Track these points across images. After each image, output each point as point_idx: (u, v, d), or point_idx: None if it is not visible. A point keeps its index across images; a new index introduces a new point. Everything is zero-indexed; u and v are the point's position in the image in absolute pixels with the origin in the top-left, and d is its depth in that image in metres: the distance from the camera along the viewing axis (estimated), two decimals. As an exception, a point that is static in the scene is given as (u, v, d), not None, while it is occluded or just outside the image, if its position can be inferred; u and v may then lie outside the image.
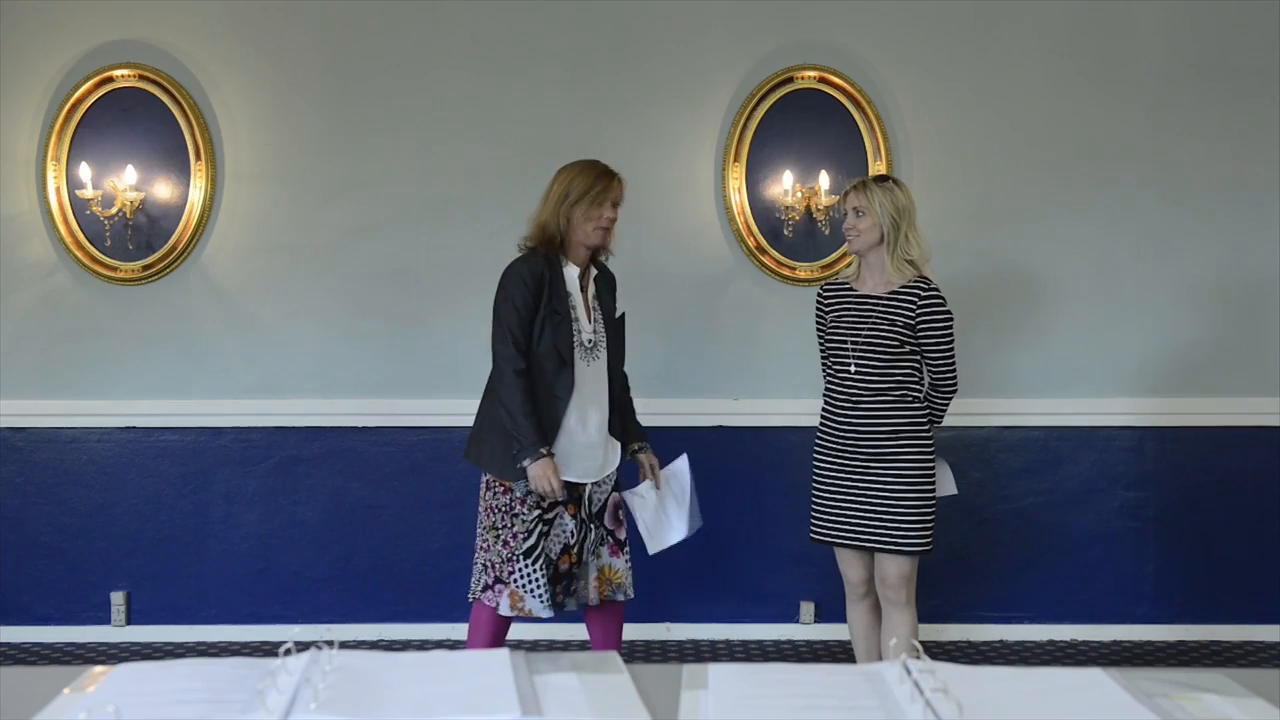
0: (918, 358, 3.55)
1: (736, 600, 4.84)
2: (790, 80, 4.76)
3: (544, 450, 3.40)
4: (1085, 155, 4.81)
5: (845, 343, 3.56)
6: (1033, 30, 4.81)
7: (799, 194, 4.71)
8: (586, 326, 3.57)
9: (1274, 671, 1.51)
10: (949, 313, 3.54)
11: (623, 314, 3.70)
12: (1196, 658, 4.65)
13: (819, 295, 3.77)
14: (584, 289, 3.61)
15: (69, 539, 4.78)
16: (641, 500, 3.70)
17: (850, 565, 3.66)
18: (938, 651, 4.57)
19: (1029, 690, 1.42)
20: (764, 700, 1.37)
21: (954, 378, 3.60)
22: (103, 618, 4.78)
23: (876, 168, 4.72)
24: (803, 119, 4.77)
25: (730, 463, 4.79)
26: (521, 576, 3.46)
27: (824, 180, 4.70)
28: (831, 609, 4.67)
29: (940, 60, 4.81)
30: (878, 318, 3.53)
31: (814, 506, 3.65)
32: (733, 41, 4.79)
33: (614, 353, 3.64)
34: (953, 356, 3.57)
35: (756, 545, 4.80)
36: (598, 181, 3.56)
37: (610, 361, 3.62)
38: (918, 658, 1.43)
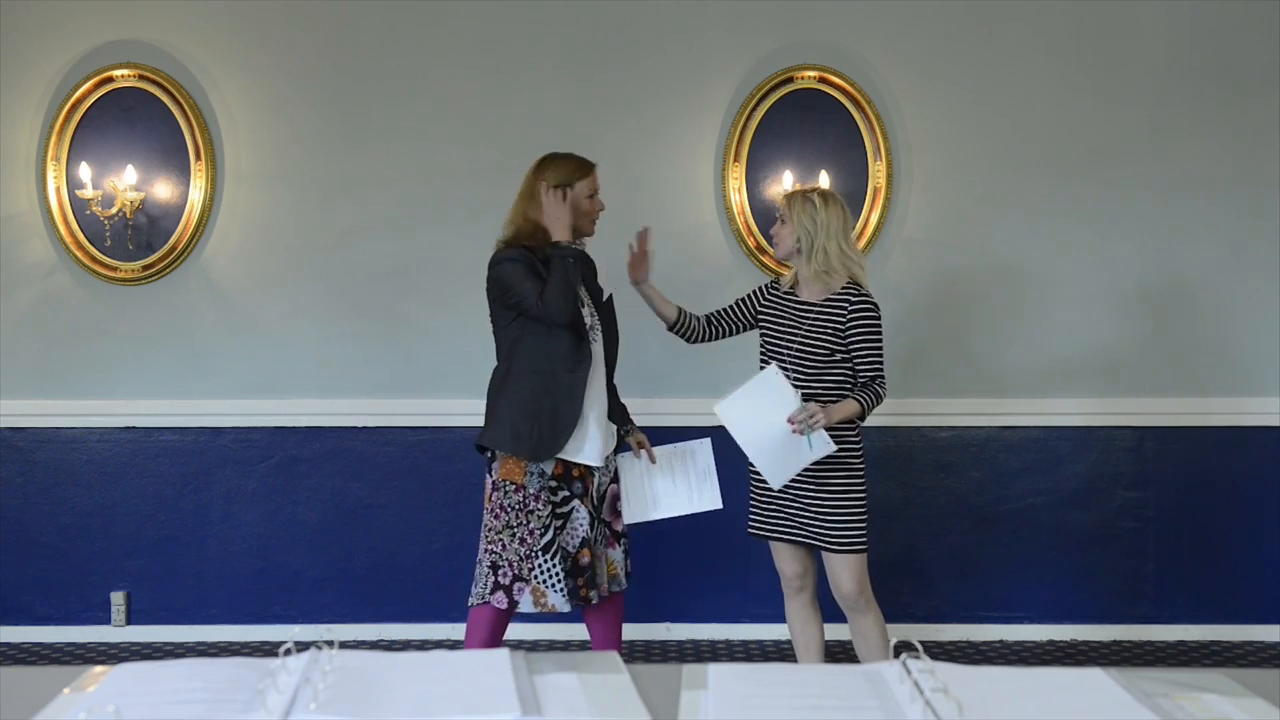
0: (850, 365, 3.56)
1: (736, 600, 4.83)
2: (790, 80, 4.76)
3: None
4: (1085, 155, 4.81)
5: (782, 349, 3.60)
6: (1033, 30, 4.80)
7: (799, 194, 4.71)
8: (585, 310, 3.60)
9: (1274, 671, 1.51)
10: (877, 319, 3.54)
11: (609, 296, 3.71)
12: (1196, 658, 4.65)
13: (760, 288, 3.79)
14: None
15: (69, 539, 4.78)
16: (630, 467, 3.71)
17: (785, 560, 3.70)
18: (938, 651, 4.56)
19: (1029, 690, 1.42)
20: (764, 700, 1.37)
21: (880, 378, 3.54)
22: (103, 618, 4.79)
23: (876, 168, 4.73)
24: (803, 119, 4.77)
25: (730, 463, 4.78)
26: (542, 572, 3.47)
27: (824, 180, 4.69)
28: (829, 609, 4.66)
29: (940, 60, 4.81)
30: (811, 323, 3.57)
31: (752, 501, 3.71)
32: (733, 41, 4.79)
33: (609, 335, 3.66)
34: (880, 361, 3.54)
35: (756, 545, 4.77)
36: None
37: (606, 344, 3.64)
38: (917, 657, 1.43)
